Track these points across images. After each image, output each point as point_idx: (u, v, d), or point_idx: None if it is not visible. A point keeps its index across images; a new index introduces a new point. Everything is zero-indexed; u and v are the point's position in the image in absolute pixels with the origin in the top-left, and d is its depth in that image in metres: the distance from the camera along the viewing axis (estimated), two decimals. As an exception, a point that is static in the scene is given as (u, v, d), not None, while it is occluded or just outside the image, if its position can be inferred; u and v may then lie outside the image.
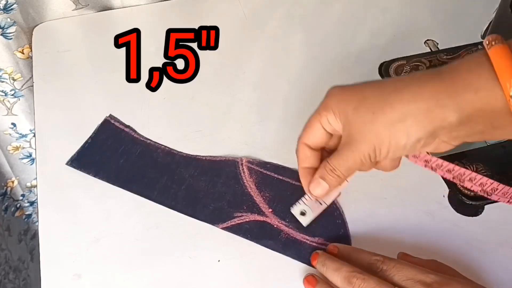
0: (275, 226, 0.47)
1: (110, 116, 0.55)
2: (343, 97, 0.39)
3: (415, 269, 0.40)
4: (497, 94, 0.33)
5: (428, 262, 0.43)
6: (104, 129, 0.54)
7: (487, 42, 0.34)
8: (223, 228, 0.47)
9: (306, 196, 0.46)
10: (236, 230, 0.47)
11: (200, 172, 0.50)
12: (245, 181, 0.50)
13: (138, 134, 0.53)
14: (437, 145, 0.37)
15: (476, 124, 0.34)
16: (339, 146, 0.40)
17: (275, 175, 0.50)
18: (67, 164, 0.51)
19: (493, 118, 0.34)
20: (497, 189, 0.45)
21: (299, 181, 0.49)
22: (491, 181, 0.44)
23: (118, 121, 0.54)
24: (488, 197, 0.46)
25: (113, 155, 0.51)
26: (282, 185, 0.49)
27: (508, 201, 0.46)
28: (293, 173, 0.50)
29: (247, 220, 0.47)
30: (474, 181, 0.45)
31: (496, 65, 0.33)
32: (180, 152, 0.52)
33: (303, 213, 0.45)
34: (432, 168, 0.46)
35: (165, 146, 0.52)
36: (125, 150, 0.52)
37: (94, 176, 0.50)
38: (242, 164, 0.51)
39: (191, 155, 0.52)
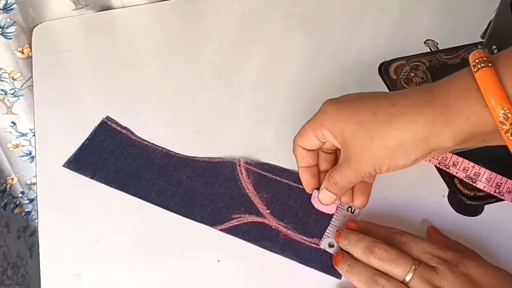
0: (273, 227, 0.47)
1: (107, 117, 0.54)
2: (339, 119, 0.40)
3: (433, 244, 0.41)
4: (487, 119, 0.34)
5: (454, 243, 0.44)
6: (101, 130, 0.53)
7: (473, 63, 0.35)
8: (221, 230, 0.47)
9: (330, 228, 0.46)
10: (234, 231, 0.47)
11: (198, 173, 0.50)
12: (243, 182, 0.50)
13: (135, 135, 0.53)
14: (431, 156, 0.39)
15: (469, 142, 0.36)
16: (339, 160, 0.42)
17: (273, 176, 0.50)
18: (64, 166, 0.50)
19: (485, 136, 0.35)
20: (479, 173, 0.46)
21: (297, 182, 0.49)
22: (473, 164, 0.45)
23: (115, 122, 0.54)
24: (474, 184, 0.46)
25: (110, 157, 0.51)
26: (280, 186, 0.49)
27: (495, 191, 0.46)
28: (291, 174, 0.50)
29: (245, 221, 0.47)
30: (458, 166, 0.46)
31: (484, 91, 0.33)
32: (177, 153, 0.52)
33: (331, 245, 0.46)
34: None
35: (162, 148, 0.52)
36: (122, 151, 0.52)
37: (91, 178, 0.50)
38: (239, 165, 0.51)
39: (189, 156, 0.52)
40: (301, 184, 0.47)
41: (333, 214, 0.47)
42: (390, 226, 0.45)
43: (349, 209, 0.47)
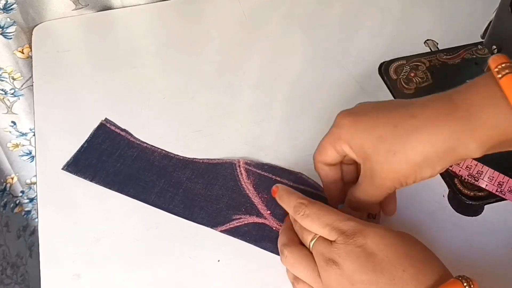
0: (273, 228, 0.47)
1: (106, 119, 0.54)
2: (357, 132, 0.39)
3: (335, 216, 0.39)
4: None
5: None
6: (99, 133, 0.53)
7: (496, 69, 0.34)
8: (222, 231, 0.47)
9: None
10: (235, 232, 0.46)
11: (197, 175, 0.50)
12: (242, 183, 0.50)
13: (134, 137, 0.53)
14: (457, 162, 0.40)
15: (495, 149, 0.36)
16: (360, 177, 0.41)
17: (273, 177, 0.50)
18: (63, 169, 0.50)
19: (510, 142, 0.35)
20: (482, 171, 0.46)
21: (297, 182, 0.49)
22: (476, 162, 0.45)
23: (114, 124, 0.54)
24: (476, 182, 0.46)
25: (109, 159, 0.51)
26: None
27: (497, 190, 0.46)
28: (291, 174, 0.50)
29: (246, 222, 0.47)
30: (461, 164, 0.46)
31: (511, 98, 0.33)
32: (176, 155, 0.52)
33: None
34: None
35: (162, 149, 0.52)
36: (121, 154, 0.51)
37: (91, 181, 0.49)
38: (239, 165, 0.51)
39: (188, 158, 0.51)
40: (301, 185, 0.47)
41: None
42: (301, 195, 0.42)
43: (370, 215, 0.47)
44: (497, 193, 0.47)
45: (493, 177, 0.46)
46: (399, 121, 0.38)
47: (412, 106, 0.38)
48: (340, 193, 0.45)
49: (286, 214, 0.47)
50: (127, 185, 0.49)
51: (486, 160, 0.48)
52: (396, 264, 0.35)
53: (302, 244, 0.41)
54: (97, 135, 0.53)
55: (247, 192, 0.49)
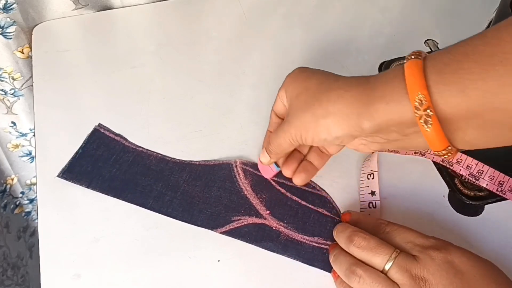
0: (273, 228, 0.47)
1: (99, 125, 0.54)
2: (296, 81, 0.42)
3: (417, 233, 0.41)
4: (405, 106, 0.34)
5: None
6: (94, 138, 0.53)
7: (407, 56, 0.36)
8: (222, 233, 0.47)
9: None
10: (235, 234, 0.46)
11: (195, 177, 0.50)
12: (240, 183, 0.49)
13: (129, 142, 0.53)
14: (357, 146, 0.41)
15: (389, 132, 0.37)
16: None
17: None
18: (58, 176, 0.50)
19: (404, 127, 0.36)
20: (482, 171, 0.46)
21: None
22: (476, 161, 0.46)
23: (108, 129, 0.53)
24: (477, 182, 0.47)
25: (105, 164, 0.51)
26: (278, 186, 0.49)
27: (497, 190, 0.46)
28: None
29: (245, 223, 0.47)
30: (461, 163, 0.46)
31: (407, 78, 0.34)
32: (173, 158, 0.51)
33: None
34: (422, 154, 0.47)
35: (158, 153, 0.52)
36: (117, 159, 0.51)
37: (87, 187, 0.49)
38: (236, 166, 0.50)
39: (185, 160, 0.51)
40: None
41: (273, 181, 0.49)
42: (379, 218, 0.45)
43: (370, 204, 0.47)
44: (497, 193, 0.47)
45: (493, 176, 0.46)
46: (325, 80, 0.40)
47: (344, 76, 0.40)
48: None
49: (285, 213, 0.47)
50: (124, 191, 0.49)
51: (487, 159, 0.48)
52: (484, 284, 0.37)
53: None
54: (91, 141, 0.52)
55: (245, 193, 0.49)
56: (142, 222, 0.47)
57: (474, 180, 0.47)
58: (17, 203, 0.83)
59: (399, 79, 0.35)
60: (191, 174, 0.50)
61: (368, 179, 0.49)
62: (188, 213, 0.48)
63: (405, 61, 0.35)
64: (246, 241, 0.46)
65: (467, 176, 0.48)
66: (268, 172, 0.49)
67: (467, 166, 0.47)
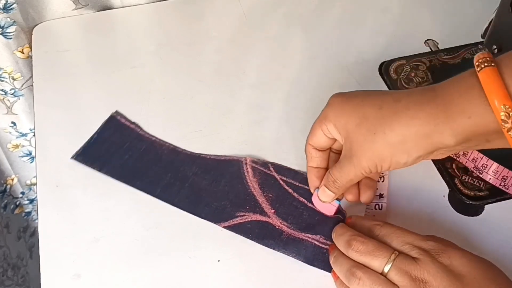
0: (277, 226, 0.47)
1: (116, 112, 0.55)
2: (344, 112, 0.40)
3: (414, 235, 0.41)
4: (489, 118, 0.34)
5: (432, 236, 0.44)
6: (110, 125, 0.54)
7: (476, 63, 0.35)
8: (225, 227, 0.47)
9: None
10: (238, 229, 0.46)
11: (204, 170, 0.50)
12: (248, 181, 0.49)
13: (144, 131, 0.53)
14: (435, 156, 0.40)
15: (471, 142, 0.36)
16: (340, 157, 0.42)
17: (279, 176, 0.50)
18: (72, 158, 0.51)
19: (487, 136, 0.35)
20: (487, 165, 0.46)
21: (303, 183, 0.49)
22: (481, 155, 0.46)
23: (124, 117, 0.54)
24: (480, 175, 0.47)
25: (118, 151, 0.51)
26: (286, 186, 0.49)
27: (500, 184, 0.46)
28: (297, 174, 0.50)
29: (249, 219, 0.47)
30: (467, 155, 0.46)
31: (486, 89, 0.33)
32: (184, 150, 0.52)
33: None
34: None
35: (170, 144, 0.52)
36: (130, 146, 0.52)
37: (99, 171, 0.50)
38: (246, 163, 0.51)
39: (196, 153, 0.52)
40: (307, 185, 0.47)
41: (332, 216, 0.47)
42: (375, 219, 0.44)
43: (377, 206, 0.47)
44: (500, 187, 0.47)
45: (497, 171, 0.46)
46: (384, 104, 0.38)
47: (399, 93, 0.39)
48: (321, 180, 0.45)
49: (290, 213, 0.47)
50: (134, 177, 0.50)
51: (492, 155, 0.48)
52: (484, 286, 0.37)
53: None
54: (107, 127, 0.53)
55: (252, 190, 0.49)
56: (142, 222, 0.47)
57: (478, 173, 0.47)
58: (17, 203, 0.83)
59: (476, 90, 0.34)
60: (200, 167, 0.50)
61: (378, 181, 0.48)
62: (193, 205, 0.48)
63: (476, 68, 0.34)
64: (248, 237, 0.46)
65: (472, 168, 0.48)
66: (329, 209, 0.46)
67: (473, 159, 0.47)
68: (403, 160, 0.38)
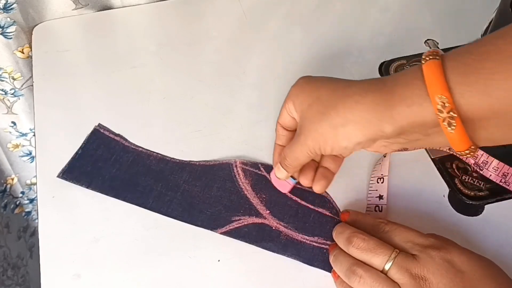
0: (273, 227, 0.47)
1: (99, 125, 0.54)
2: (303, 91, 0.41)
3: (416, 232, 0.41)
4: (427, 108, 0.34)
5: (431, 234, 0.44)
6: (93, 138, 0.52)
7: (423, 57, 0.35)
8: (222, 233, 0.46)
9: None
10: (235, 234, 0.46)
11: (195, 177, 0.50)
12: (240, 183, 0.49)
13: (129, 142, 0.52)
14: (378, 148, 0.40)
15: (411, 133, 0.37)
16: (294, 136, 0.43)
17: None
18: (58, 176, 0.49)
19: (426, 128, 0.36)
20: (487, 161, 0.46)
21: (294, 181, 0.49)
22: (482, 152, 0.46)
23: (108, 130, 0.53)
24: (481, 172, 0.47)
25: (105, 165, 0.50)
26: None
27: (501, 181, 0.46)
28: None
29: (246, 223, 0.47)
30: None
31: (427, 80, 0.34)
32: (173, 158, 0.51)
33: None
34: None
35: (157, 153, 0.52)
36: (117, 159, 0.51)
37: (87, 188, 0.49)
38: (236, 166, 0.50)
39: (184, 161, 0.51)
40: (299, 184, 0.47)
41: (288, 194, 0.48)
42: (378, 216, 0.45)
43: (377, 208, 0.47)
44: (501, 184, 0.47)
45: (498, 167, 0.46)
46: (337, 88, 0.39)
47: (355, 81, 0.40)
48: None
49: (285, 213, 0.47)
50: (124, 191, 0.49)
51: (492, 152, 0.48)
52: (484, 283, 0.37)
53: None
54: (91, 141, 0.52)
55: (245, 192, 0.49)
56: (142, 222, 0.47)
57: (478, 170, 0.47)
58: (17, 203, 0.83)
59: (418, 81, 0.35)
60: (191, 174, 0.50)
61: (378, 183, 0.48)
62: (188, 213, 0.48)
63: (422, 61, 0.35)
64: (246, 242, 0.46)
65: (473, 165, 0.48)
66: (284, 186, 0.48)
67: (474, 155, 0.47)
68: (343, 144, 0.38)
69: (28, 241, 0.87)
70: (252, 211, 0.48)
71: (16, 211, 0.83)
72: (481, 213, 0.48)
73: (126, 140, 0.53)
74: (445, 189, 0.49)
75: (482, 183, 0.49)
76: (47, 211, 0.48)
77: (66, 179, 0.49)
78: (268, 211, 0.48)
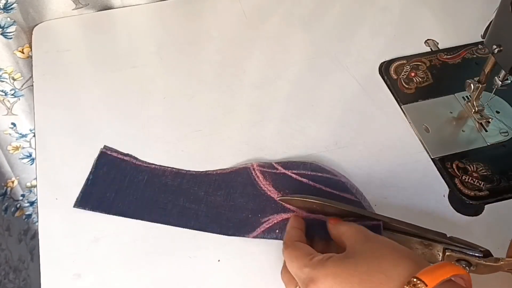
0: (304, 217, 0.46)
1: (105, 147, 0.52)
2: None
3: (298, 261, 0.39)
4: None
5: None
6: (103, 162, 0.50)
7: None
8: (254, 237, 0.46)
9: None
10: (267, 234, 0.46)
11: (215, 187, 0.49)
12: (262, 186, 0.49)
13: (140, 160, 0.51)
14: None
15: None
16: None
17: (288, 172, 0.49)
18: (74, 206, 0.48)
19: None
20: None
21: (314, 171, 0.49)
22: None
23: (115, 151, 0.52)
24: None
25: (121, 187, 0.49)
26: (298, 178, 0.49)
27: None
28: (305, 165, 0.50)
29: (275, 221, 0.46)
30: None
31: None
32: (188, 171, 0.50)
33: None
34: None
35: (172, 168, 0.50)
36: (132, 179, 0.49)
37: (108, 214, 0.47)
38: (254, 169, 0.50)
39: (201, 171, 0.50)
40: (319, 172, 0.47)
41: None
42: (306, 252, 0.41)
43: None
44: None
45: None
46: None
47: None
48: None
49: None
50: (147, 211, 0.47)
51: (485, 160, 0.48)
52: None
53: None
54: (100, 165, 0.50)
55: (269, 193, 0.48)
56: (142, 222, 0.47)
57: None
58: (18, 205, 0.83)
59: None
60: (210, 185, 0.49)
61: None
62: (216, 224, 0.47)
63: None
64: (281, 239, 0.45)
65: None
66: None
67: None
68: None
69: (29, 244, 0.87)
70: (279, 208, 0.47)
71: (17, 214, 0.83)
72: (481, 213, 0.48)
73: (136, 159, 0.51)
74: (445, 189, 0.49)
75: (482, 183, 0.49)
76: (47, 211, 0.48)
77: (83, 208, 0.48)
78: None
